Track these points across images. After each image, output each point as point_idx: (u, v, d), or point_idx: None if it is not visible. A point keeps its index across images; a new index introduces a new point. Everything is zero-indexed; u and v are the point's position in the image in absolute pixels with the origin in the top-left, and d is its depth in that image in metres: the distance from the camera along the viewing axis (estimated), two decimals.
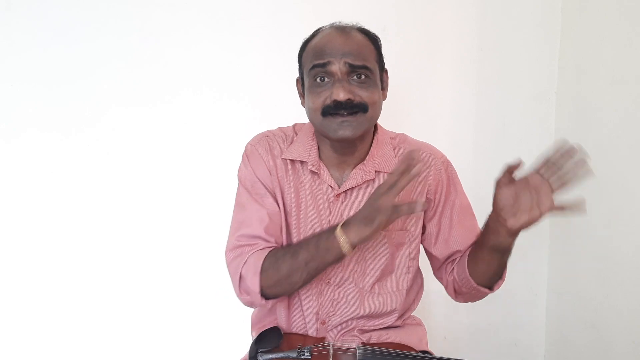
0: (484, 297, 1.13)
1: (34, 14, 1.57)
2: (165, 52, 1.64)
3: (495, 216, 0.97)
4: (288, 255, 1.02)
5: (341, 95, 1.00)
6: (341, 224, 0.98)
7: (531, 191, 0.93)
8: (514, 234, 0.97)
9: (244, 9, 1.66)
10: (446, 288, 1.21)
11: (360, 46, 1.04)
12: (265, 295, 1.05)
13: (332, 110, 1.02)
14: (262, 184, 1.12)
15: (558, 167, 0.92)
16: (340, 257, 0.99)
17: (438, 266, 1.22)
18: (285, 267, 1.02)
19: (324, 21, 1.12)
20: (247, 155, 1.15)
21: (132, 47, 1.62)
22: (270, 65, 1.67)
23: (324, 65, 1.01)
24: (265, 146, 1.14)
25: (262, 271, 1.03)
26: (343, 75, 1.02)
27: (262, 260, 1.03)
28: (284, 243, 1.13)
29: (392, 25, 1.70)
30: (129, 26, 1.62)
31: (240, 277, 1.05)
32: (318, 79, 1.03)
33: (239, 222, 1.11)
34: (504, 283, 1.12)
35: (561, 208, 0.91)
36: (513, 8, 1.79)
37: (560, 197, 0.92)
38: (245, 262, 1.05)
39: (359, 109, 1.02)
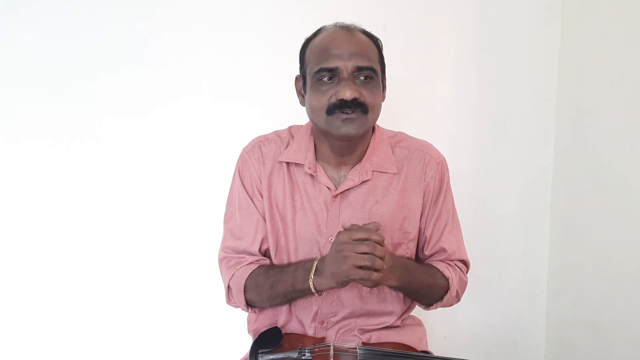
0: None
1: (35, 15, 1.56)
2: (165, 54, 1.63)
3: None
4: (267, 285, 1.08)
5: (347, 94, 1.01)
6: (313, 270, 1.02)
7: None
8: None
9: (243, 10, 1.65)
10: None
11: (366, 47, 1.05)
12: (252, 307, 1.14)
13: (337, 108, 1.02)
14: (250, 195, 1.15)
15: None
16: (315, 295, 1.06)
17: None
18: (265, 294, 1.10)
19: (325, 21, 1.12)
20: (238, 166, 1.18)
21: (133, 48, 1.61)
22: (270, 66, 1.66)
23: (332, 70, 1.02)
24: (257, 154, 1.16)
25: (246, 290, 1.11)
26: (349, 75, 1.02)
27: (245, 278, 1.10)
28: (282, 244, 1.14)
29: (393, 24, 1.70)
30: (130, 28, 1.60)
31: (229, 287, 1.14)
32: (324, 79, 1.04)
33: (228, 232, 1.17)
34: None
35: None
36: (513, 8, 1.79)
37: None
38: (232, 276, 1.12)
39: (360, 108, 1.03)
